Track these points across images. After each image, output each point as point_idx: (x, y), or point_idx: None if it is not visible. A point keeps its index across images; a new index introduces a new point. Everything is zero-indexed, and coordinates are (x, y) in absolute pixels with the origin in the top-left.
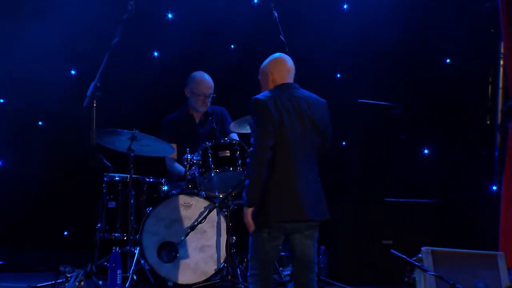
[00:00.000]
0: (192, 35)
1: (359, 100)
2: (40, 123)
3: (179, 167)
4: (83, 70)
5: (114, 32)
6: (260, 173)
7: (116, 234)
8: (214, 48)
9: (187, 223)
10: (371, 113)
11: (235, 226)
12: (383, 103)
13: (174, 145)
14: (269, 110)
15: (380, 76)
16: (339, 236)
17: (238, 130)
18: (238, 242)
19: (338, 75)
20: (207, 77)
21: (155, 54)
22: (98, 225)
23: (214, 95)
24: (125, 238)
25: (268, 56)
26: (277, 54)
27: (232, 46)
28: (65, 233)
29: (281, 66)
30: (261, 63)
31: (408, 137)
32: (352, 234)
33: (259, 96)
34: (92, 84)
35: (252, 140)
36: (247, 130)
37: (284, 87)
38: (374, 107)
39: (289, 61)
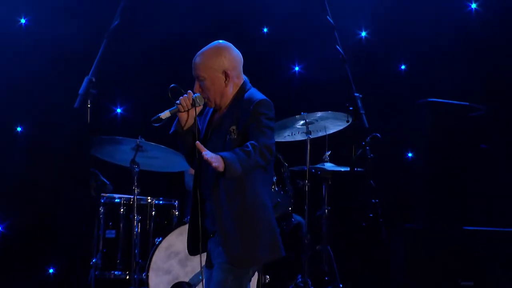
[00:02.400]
0: (211, 14)
1: (430, 99)
2: (18, 128)
3: None
4: (73, 61)
5: (112, 14)
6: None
7: (116, 272)
8: (241, 31)
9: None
10: (445, 115)
11: (269, 262)
12: (460, 102)
13: None
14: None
15: (456, 69)
16: (404, 275)
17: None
18: (273, 283)
19: (403, 67)
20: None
21: (164, 38)
22: (94, 260)
23: None
24: (127, 277)
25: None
26: (223, 43)
27: (265, 30)
28: (51, 270)
29: (238, 60)
30: (303, 49)
31: (492, 147)
32: (421, 273)
33: (264, 96)
34: (86, 80)
35: (268, 134)
36: (284, 137)
37: (250, 87)
38: (449, 107)
39: (238, 51)
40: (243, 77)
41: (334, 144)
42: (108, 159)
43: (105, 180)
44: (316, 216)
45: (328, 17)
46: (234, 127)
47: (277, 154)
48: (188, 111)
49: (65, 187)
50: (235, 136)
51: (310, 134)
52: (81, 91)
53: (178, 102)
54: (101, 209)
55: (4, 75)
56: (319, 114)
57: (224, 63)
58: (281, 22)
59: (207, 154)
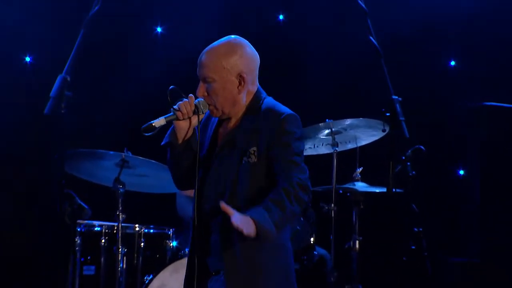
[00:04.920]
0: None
1: (485, 103)
2: None
3: None
4: (43, 57)
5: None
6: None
7: None
8: (252, 19)
9: None
10: (505, 122)
11: None
12: None
13: None
14: None
15: None
16: None
17: None
18: None
19: (452, 63)
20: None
21: (158, 30)
22: None
23: None
24: None
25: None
26: (239, 40)
27: (281, 17)
28: None
29: (255, 62)
30: (328, 41)
31: None
32: None
33: (291, 110)
34: (59, 79)
35: (301, 164)
36: (305, 150)
37: (266, 95)
38: (509, 113)
39: (256, 51)
40: (257, 84)
41: (367, 159)
42: (86, 178)
43: (82, 203)
44: (344, 249)
45: (359, 1)
46: (254, 149)
47: None
48: (188, 119)
49: (33, 213)
50: (255, 160)
51: (337, 146)
52: (53, 93)
53: (176, 107)
54: (78, 240)
55: None
56: (348, 121)
57: (239, 64)
58: (300, 8)
59: (236, 219)
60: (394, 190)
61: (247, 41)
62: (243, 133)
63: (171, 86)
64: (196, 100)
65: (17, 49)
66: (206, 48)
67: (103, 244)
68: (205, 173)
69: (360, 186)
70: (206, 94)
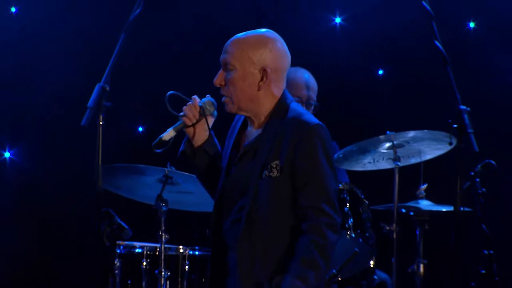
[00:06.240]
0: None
1: None
2: (6, 154)
3: None
4: (80, 65)
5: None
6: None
7: None
8: (304, 21)
9: None
10: None
11: None
12: None
13: None
14: None
15: None
16: None
17: (344, 165)
18: None
19: None
20: (306, 75)
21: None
22: None
23: (317, 102)
24: None
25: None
26: (273, 34)
27: (337, 20)
28: None
29: (284, 62)
30: (389, 45)
31: None
32: None
33: (318, 121)
34: (97, 88)
35: (329, 184)
36: (364, 165)
37: (292, 100)
38: None
39: (289, 54)
40: (283, 88)
41: (432, 175)
42: (125, 195)
43: (122, 223)
44: (407, 273)
45: (423, 2)
46: (277, 162)
47: (354, 188)
48: (196, 123)
49: (68, 234)
50: (278, 174)
51: (399, 160)
52: (90, 103)
53: (182, 114)
54: (117, 262)
55: None
56: (411, 133)
57: (265, 58)
58: (358, 10)
59: None
60: (462, 208)
61: (281, 38)
62: (265, 142)
63: (169, 92)
64: (201, 101)
65: (45, 55)
66: (236, 35)
67: (144, 267)
68: (225, 183)
69: (425, 204)
70: (223, 83)
